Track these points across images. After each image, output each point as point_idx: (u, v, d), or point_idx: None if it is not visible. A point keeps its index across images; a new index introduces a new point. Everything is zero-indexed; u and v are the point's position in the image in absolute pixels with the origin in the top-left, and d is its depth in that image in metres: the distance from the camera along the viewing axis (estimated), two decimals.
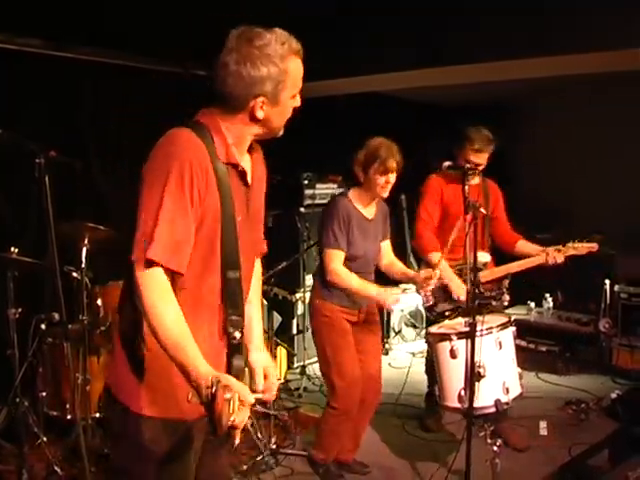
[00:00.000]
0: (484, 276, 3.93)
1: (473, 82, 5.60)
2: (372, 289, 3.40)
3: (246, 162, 1.92)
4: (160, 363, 1.75)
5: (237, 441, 1.71)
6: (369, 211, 3.56)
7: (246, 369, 1.95)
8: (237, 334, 1.84)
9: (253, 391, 1.85)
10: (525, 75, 5.19)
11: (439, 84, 5.71)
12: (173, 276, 1.72)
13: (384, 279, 3.74)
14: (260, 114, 1.80)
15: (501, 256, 4.13)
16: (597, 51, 4.12)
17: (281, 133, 1.93)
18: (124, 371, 1.84)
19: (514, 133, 7.15)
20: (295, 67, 1.79)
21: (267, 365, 2.01)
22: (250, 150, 1.94)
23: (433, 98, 6.88)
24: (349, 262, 3.45)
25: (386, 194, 3.47)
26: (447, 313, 3.92)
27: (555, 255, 3.88)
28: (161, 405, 1.82)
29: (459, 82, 5.63)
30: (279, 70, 1.75)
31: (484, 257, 3.95)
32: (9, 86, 4.18)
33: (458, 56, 4.77)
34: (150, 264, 1.67)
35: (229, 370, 1.85)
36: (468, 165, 3.06)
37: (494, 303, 3.90)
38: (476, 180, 4.05)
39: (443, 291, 3.91)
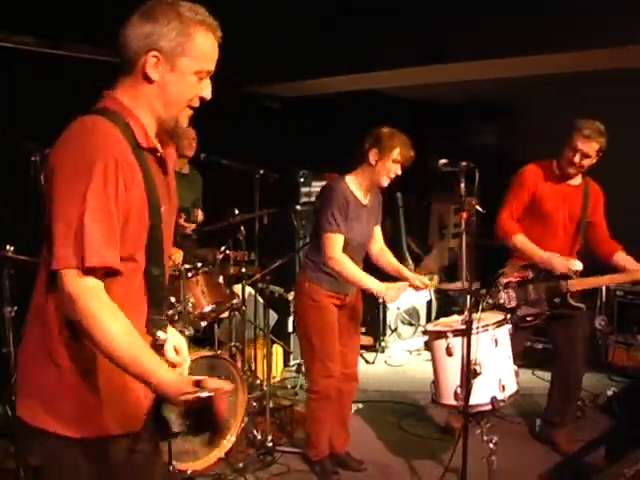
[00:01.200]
0: (573, 284, 3.78)
1: (472, 80, 5.61)
2: (371, 283, 3.40)
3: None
4: (76, 379, 1.66)
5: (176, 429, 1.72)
6: (364, 196, 3.58)
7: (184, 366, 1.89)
8: (160, 334, 1.75)
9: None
10: (524, 73, 5.21)
11: (438, 81, 5.72)
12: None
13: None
14: (153, 73, 1.64)
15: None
16: (597, 49, 4.12)
17: (182, 124, 1.76)
18: (40, 392, 1.68)
19: (512, 131, 7.18)
20: (202, 38, 1.65)
21: (178, 341, 1.90)
22: (162, 144, 1.81)
23: (431, 97, 6.90)
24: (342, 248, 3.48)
25: (386, 183, 3.49)
26: (529, 318, 3.82)
27: None
28: (87, 424, 1.68)
29: (458, 80, 5.64)
30: (180, 29, 1.62)
31: (576, 265, 3.76)
32: (6, 84, 4.18)
33: (458, 55, 4.77)
34: (87, 273, 1.53)
35: None
36: (464, 163, 3.03)
37: (490, 301, 3.89)
38: (577, 180, 3.89)
39: (527, 294, 3.84)
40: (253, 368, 4.65)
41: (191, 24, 1.64)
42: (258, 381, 4.53)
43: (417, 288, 3.55)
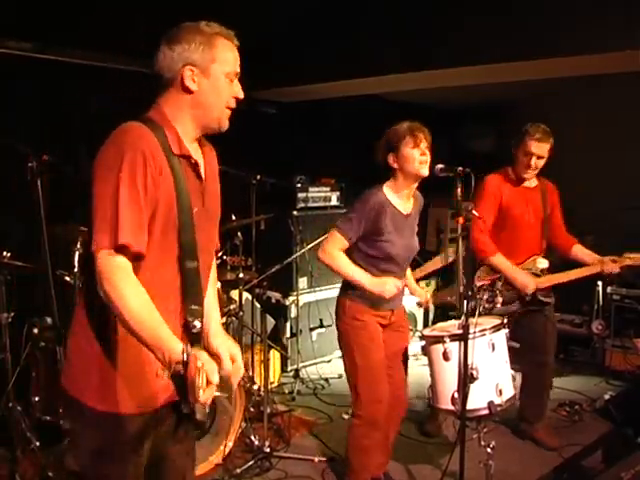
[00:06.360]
0: (541, 282, 3.93)
1: (471, 84, 5.62)
2: (364, 278, 3.18)
3: (198, 156, 1.99)
4: (98, 357, 1.85)
5: (199, 416, 1.77)
6: (406, 205, 3.33)
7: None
8: (197, 323, 1.88)
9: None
10: (524, 77, 5.22)
11: (437, 86, 5.73)
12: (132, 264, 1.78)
13: None
14: (191, 83, 1.87)
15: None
16: (597, 53, 4.13)
17: (224, 125, 1.97)
18: (90, 370, 1.87)
19: (511, 135, 7.17)
20: (224, 46, 1.91)
21: (233, 348, 2.02)
22: (202, 147, 2.03)
23: (428, 100, 6.90)
24: (382, 262, 3.25)
25: (426, 171, 3.19)
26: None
27: (611, 265, 3.86)
28: (106, 399, 1.86)
29: (457, 84, 5.65)
30: (204, 42, 1.87)
31: (543, 263, 3.98)
32: (3, 90, 4.18)
33: (453, 58, 4.78)
34: (117, 250, 1.72)
35: None
36: (460, 168, 3.04)
37: (486, 305, 3.91)
38: (534, 182, 4.07)
39: (501, 294, 3.94)
40: (250, 374, 4.64)
41: (212, 36, 1.89)
42: (255, 387, 4.53)
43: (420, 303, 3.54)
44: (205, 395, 1.61)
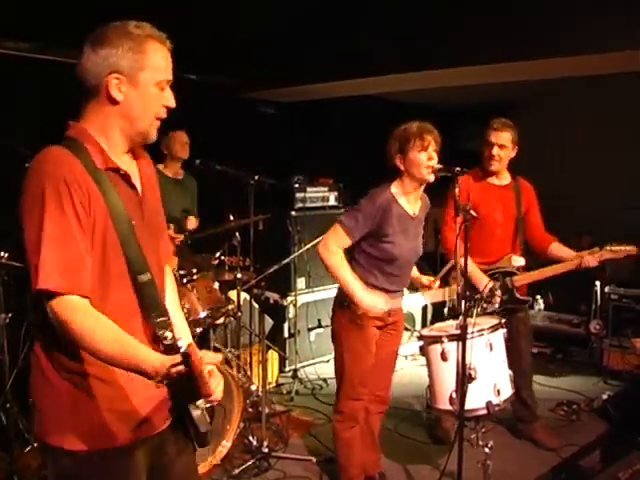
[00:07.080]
0: (518, 280, 3.94)
1: (469, 84, 5.63)
2: (356, 289, 3.12)
3: (131, 167, 1.86)
4: (81, 393, 1.72)
5: (203, 429, 1.70)
6: (413, 207, 3.28)
7: None
8: (167, 334, 1.77)
9: None
10: (522, 78, 5.23)
11: (436, 86, 5.74)
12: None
13: None
14: (116, 93, 1.71)
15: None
16: (596, 53, 4.14)
17: (152, 137, 1.82)
18: (48, 409, 1.76)
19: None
20: (155, 51, 1.74)
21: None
22: (137, 157, 1.90)
23: (428, 100, 6.91)
24: (385, 263, 3.21)
25: (432, 176, 3.15)
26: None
27: (589, 259, 3.83)
28: (93, 437, 1.74)
29: (456, 84, 5.66)
30: (134, 47, 1.71)
31: (518, 261, 3.96)
32: (1, 90, 4.18)
33: (453, 58, 4.78)
34: (51, 294, 1.60)
35: None
36: (458, 168, 3.05)
37: (485, 305, 3.90)
38: (506, 180, 4.06)
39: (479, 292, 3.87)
40: (249, 374, 4.64)
41: (142, 40, 1.73)
42: (254, 387, 4.52)
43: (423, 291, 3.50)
44: (214, 384, 1.56)
